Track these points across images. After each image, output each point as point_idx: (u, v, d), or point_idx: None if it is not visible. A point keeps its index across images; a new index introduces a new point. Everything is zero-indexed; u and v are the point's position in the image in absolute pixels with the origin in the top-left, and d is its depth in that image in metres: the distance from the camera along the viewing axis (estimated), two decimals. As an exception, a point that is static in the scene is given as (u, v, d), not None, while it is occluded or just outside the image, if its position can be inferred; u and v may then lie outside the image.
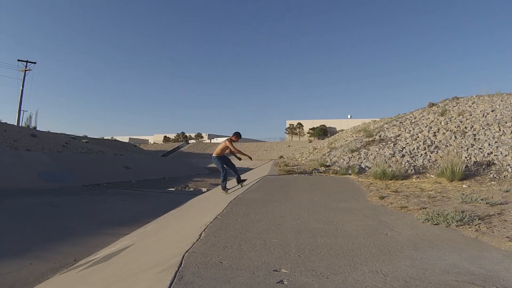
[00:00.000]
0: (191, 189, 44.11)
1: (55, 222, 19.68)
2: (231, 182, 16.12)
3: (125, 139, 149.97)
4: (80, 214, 22.28)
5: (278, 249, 5.95)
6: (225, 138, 15.46)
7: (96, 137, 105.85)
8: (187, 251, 5.70)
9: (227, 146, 15.29)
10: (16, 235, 16.86)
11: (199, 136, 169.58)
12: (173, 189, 43.36)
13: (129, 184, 43.88)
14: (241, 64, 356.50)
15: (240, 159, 16.05)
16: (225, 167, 15.35)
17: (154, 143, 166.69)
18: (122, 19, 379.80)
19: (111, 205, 26.01)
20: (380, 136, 22.94)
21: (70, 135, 79.00)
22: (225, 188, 14.98)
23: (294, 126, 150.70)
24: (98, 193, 33.91)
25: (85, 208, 24.80)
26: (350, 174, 17.72)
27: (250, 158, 16.40)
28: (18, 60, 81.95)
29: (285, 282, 4.45)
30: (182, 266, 4.96)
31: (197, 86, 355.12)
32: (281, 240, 6.55)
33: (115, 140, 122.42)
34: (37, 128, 73.80)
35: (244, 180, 15.57)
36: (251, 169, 53.56)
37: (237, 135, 15.40)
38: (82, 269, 9.91)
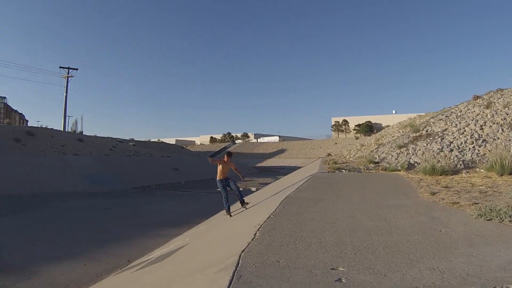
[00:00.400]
0: (240, 189, 44.05)
1: (107, 225, 19.99)
2: (237, 205, 15.72)
3: (171, 141, 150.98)
4: (130, 216, 22.57)
5: (333, 248, 5.89)
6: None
7: (143, 140, 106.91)
8: (243, 250, 5.70)
9: (221, 166, 14.97)
10: (69, 237, 17.20)
11: (245, 136, 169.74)
12: (221, 189, 43.48)
13: (178, 185, 44.19)
14: (285, 63, 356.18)
15: (242, 177, 15.99)
16: (228, 190, 14.86)
17: (200, 144, 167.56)
18: (166, 27, 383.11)
19: (161, 207, 26.26)
20: (427, 131, 22.60)
21: (117, 138, 79.88)
22: (228, 211, 14.52)
23: (340, 123, 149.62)
24: (147, 195, 34.25)
25: (135, 210, 25.10)
26: (399, 170, 17.51)
27: (242, 177, 15.93)
28: (60, 67, 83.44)
29: (343, 280, 4.39)
30: (239, 265, 4.95)
31: (243, 87, 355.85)
32: (336, 238, 6.49)
33: (162, 142, 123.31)
34: (83, 133, 75.03)
35: (247, 203, 14.83)
36: (299, 167, 53.41)
37: (229, 154, 15.42)
38: (136, 269, 10.01)
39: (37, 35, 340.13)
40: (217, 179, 14.77)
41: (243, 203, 14.71)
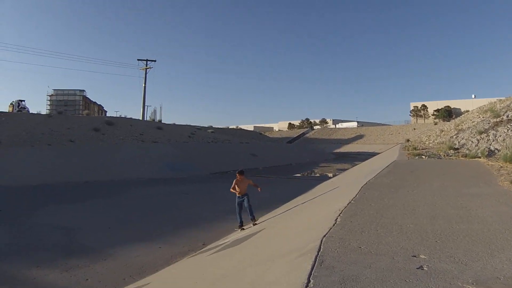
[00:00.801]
0: (317, 175, 44.01)
1: (184, 209, 20.43)
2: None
3: (250, 127, 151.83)
4: (207, 201, 22.95)
5: (414, 235, 5.83)
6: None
7: (222, 127, 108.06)
8: (325, 235, 5.70)
9: (235, 184, 14.69)
10: (146, 221, 17.71)
11: (323, 122, 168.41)
12: (299, 175, 43.51)
13: (256, 171, 44.33)
14: (363, 50, 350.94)
15: (260, 189, 14.92)
16: (242, 206, 14.61)
17: (279, 130, 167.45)
18: (244, 14, 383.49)
19: (238, 192, 26.51)
20: (507, 116, 21.82)
21: (196, 126, 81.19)
22: (240, 225, 14.47)
23: (418, 108, 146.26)
24: (224, 181, 34.49)
25: (213, 196, 25.51)
26: (479, 157, 17.08)
27: (259, 189, 14.89)
28: (138, 59, 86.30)
29: (424, 268, 4.35)
30: (321, 250, 4.95)
31: (321, 72, 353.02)
32: (417, 225, 6.42)
33: (240, 129, 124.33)
34: (162, 121, 76.54)
35: (256, 221, 14.30)
36: (377, 153, 52.68)
37: (240, 172, 14.83)
38: (212, 253, 10.22)
39: (115, 31, 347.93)
40: (237, 195, 14.68)
41: (253, 219, 14.49)
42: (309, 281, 3.75)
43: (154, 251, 13.07)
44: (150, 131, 55.37)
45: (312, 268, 4.21)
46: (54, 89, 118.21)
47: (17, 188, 26.96)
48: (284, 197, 20.33)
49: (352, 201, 8.50)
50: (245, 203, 14.50)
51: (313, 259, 4.56)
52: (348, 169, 37.72)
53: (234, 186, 14.54)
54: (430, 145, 25.12)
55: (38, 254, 12.88)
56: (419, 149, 22.30)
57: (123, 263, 11.89)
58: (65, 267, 11.47)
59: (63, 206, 21.26)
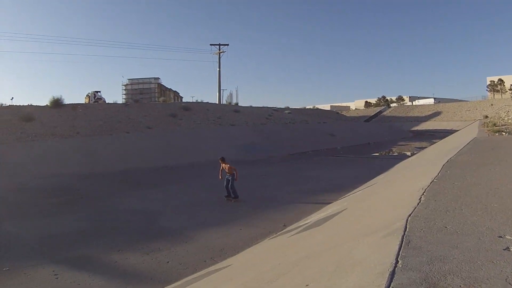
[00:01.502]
0: (396, 154, 43.39)
1: (263, 191, 20.49)
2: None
3: (326, 107, 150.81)
4: (287, 183, 22.90)
5: (499, 214, 5.51)
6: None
7: (298, 107, 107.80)
8: (410, 215, 5.53)
9: (222, 167, 19.70)
10: (226, 203, 17.93)
11: (400, 99, 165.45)
12: (377, 154, 43.00)
13: (335, 151, 44.19)
14: (438, 24, 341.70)
15: (237, 178, 19.34)
16: (228, 182, 19.07)
17: (355, 109, 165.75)
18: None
19: (317, 172, 26.38)
20: None
21: (272, 107, 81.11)
22: (227, 196, 19.06)
23: (495, 82, 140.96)
24: (304, 161, 34.51)
25: (292, 176, 25.43)
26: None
27: (236, 178, 19.33)
28: (211, 44, 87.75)
29: (511, 250, 4.21)
30: (407, 230, 4.80)
31: (397, 49, 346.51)
32: (501, 204, 6.09)
33: (317, 108, 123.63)
34: (238, 104, 77.05)
35: (228, 197, 19.05)
36: (455, 130, 51.43)
37: (221, 159, 19.95)
38: (293, 234, 10.09)
39: (187, 17, 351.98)
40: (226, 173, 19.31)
41: (228, 196, 19.03)
42: (397, 261, 3.63)
43: (235, 233, 13.15)
44: (227, 115, 55.88)
45: (399, 248, 4.04)
46: (129, 79, 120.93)
47: (98, 175, 27.82)
48: (363, 177, 20.11)
49: (434, 180, 8.25)
50: (230, 182, 18.99)
51: (399, 239, 4.38)
52: (426, 147, 37.03)
53: (220, 170, 19.66)
54: (510, 121, 24.26)
55: (119, 238, 13.22)
56: (498, 126, 21.59)
57: (203, 245, 12.01)
58: (146, 250, 11.70)
59: (143, 191, 21.77)
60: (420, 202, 6.33)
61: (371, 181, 17.74)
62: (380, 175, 18.96)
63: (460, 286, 3.07)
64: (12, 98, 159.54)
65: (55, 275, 10.01)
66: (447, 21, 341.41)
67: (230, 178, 19.10)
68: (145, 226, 14.67)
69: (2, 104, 49.65)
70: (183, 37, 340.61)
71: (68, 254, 11.72)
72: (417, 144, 52.36)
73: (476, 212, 5.71)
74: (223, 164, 19.65)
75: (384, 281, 3.17)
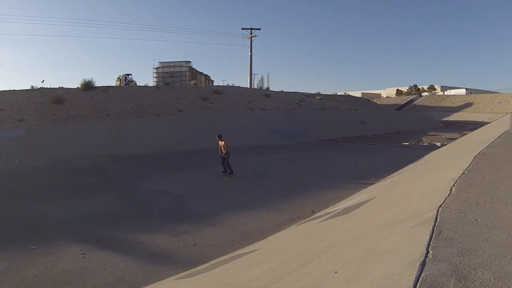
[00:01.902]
0: (426, 144, 43.00)
1: (293, 176, 20.53)
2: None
3: (357, 94, 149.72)
4: (316, 169, 22.92)
5: None
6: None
7: (330, 94, 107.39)
8: (441, 206, 5.44)
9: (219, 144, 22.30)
10: (255, 188, 17.94)
11: (431, 88, 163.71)
12: (407, 143, 42.67)
13: (365, 139, 44.01)
14: (474, 13, 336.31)
15: (226, 155, 21.95)
16: (224, 159, 21.90)
17: (387, 97, 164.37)
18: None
19: (347, 160, 26.36)
20: None
21: (304, 93, 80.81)
22: (224, 172, 21.82)
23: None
24: (333, 148, 34.45)
25: (321, 163, 25.47)
26: None
27: (226, 154, 22.00)
28: (242, 28, 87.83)
29: None
30: (437, 221, 4.73)
31: (429, 36, 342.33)
32: None
33: (348, 95, 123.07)
34: (269, 89, 76.96)
35: (224, 172, 21.84)
36: (486, 122, 50.76)
37: (218, 136, 22.72)
38: (321, 221, 10.07)
39: (220, 1, 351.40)
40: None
41: (225, 172, 21.74)
42: (428, 251, 3.60)
43: (263, 218, 13.23)
44: (258, 99, 55.73)
45: (430, 239, 4.00)
46: (160, 62, 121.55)
47: (128, 157, 28.18)
48: (393, 166, 19.95)
49: (465, 172, 8.13)
50: (225, 159, 21.73)
51: (430, 230, 4.33)
52: (457, 138, 36.64)
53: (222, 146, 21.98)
54: (543, 114, 23.83)
55: (147, 219, 13.44)
56: (531, 119, 21.27)
57: (231, 229, 12.13)
58: (174, 232, 11.85)
59: (172, 174, 22.07)
60: (451, 193, 6.24)
61: (401, 170, 17.60)
62: (410, 165, 18.79)
63: (490, 280, 3.04)
64: (43, 80, 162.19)
65: (82, 254, 10.24)
66: (482, 11, 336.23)
67: (225, 155, 21.80)
68: (173, 208, 14.89)
69: (33, 87, 50.32)
70: (214, 21, 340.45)
71: (97, 235, 11.98)
72: (448, 135, 51.76)
73: (507, 206, 5.61)
74: (220, 142, 22.15)
75: (414, 271, 3.15)
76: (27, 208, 15.36)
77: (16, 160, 26.82)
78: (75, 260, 9.89)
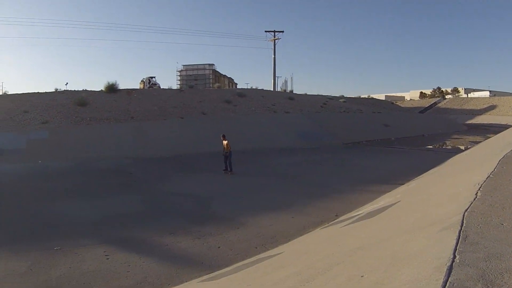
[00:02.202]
0: (449, 147, 42.70)
1: (317, 179, 20.50)
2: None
3: (381, 97, 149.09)
4: (340, 172, 22.88)
5: None
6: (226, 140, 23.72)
7: (353, 96, 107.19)
8: (466, 210, 5.40)
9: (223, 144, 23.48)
10: (278, 191, 17.95)
11: (455, 90, 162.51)
12: (431, 146, 42.41)
13: (389, 142, 43.80)
14: (494, 13, 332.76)
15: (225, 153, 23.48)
16: (226, 157, 23.22)
17: (410, 99, 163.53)
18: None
19: (371, 163, 26.24)
20: None
21: (327, 96, 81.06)
22: (224, 170, 23.13)
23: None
24: (357, 151, 34.38)
25: (345, 166, 25.42)
26: None
27: (225, 152, 23.60)
28: (266, 31, 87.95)
29: None
30: (464, 225, 4.69)
31: (452, 39, 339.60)
32: None
33: (372, 98, 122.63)
34: (293, 92, 76.97)
35: (225, 170, 23.15)
36: (510, 125, 50.19)
37: (222, 136, 24.07)
38: (345, 224, 10.01)
39: (243, 4, 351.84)
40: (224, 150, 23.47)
41: (226, 170, 23.07)
42: (454, 256, 3.59)
43: (287, 221, 13.21)
44: (282, 102, 55.69)
45: (456, 243, 3.99)
46: (183, 65, 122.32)
47: (151, 159, 28.43)
48: (417, 169, 19.85)
49: (490, 175, 8.05)
50: (228, 158, 23.10)
51: (456, 234, 4.30)
52: (480, 141, 36.32)
53: (225, 145, 23.30)
54: None
55: (171, 221, 13.52)
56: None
57: (255, 232, 12.13)
58: (198, 235, 11.89)
59: (196, 176, 22.25)
60: (476, 197, 6.19)
61: (425, 173, 17.51)
62: (434, 168, 18.68)
63: (517, 285, 3.03)
64: (67, 83, 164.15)
65: (106, 255, 10.32)
66: (506, 12, 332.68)
67: (227, 154, 23.15)
68: (197, 210, 14.98)
69: (57, 89, 51.09)
70: (238, 24, 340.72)
71: (120, 235, 12.09)
72: (471, 138, 51.30)
73: (533, 211, 5.58)
74: (224, 141, 23.46)
75: (441, 276, 3.15)
76: (51, 208, 15.59)
77: (39, 161, 27.16)
78: (98, 261, 9.98)
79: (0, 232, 12.76)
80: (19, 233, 12.61)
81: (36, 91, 47.36)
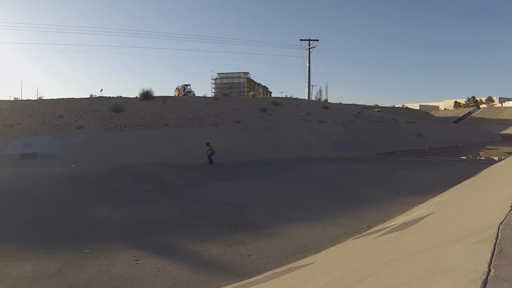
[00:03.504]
0: (483, 158, 42.21)
1: (350, 189, 20.40)
2: None
3: (415, 106, 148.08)
4: (373, 182, 22.70)
5: None
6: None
7: (387, 106, 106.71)
8: (501, 222, 5.28)
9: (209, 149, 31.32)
10: (312, 200, 17.90)
11: (489, 100, 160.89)
12: (464, 157, 41.92)
13: (422, 152, 43.36)
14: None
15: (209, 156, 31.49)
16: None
17: (444, 109, 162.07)
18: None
19: (404, 173, 26.02)
20: None
21: (362, 105, 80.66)
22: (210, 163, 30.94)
23: None
24: (391, 161, 34.19)
25: (379, 176, 25.23)
26: None
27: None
28: (301, 39, 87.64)
29: None
30: (498, 238, 4.60)
31: (486, 47, 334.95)
32: None
33: (406, 107, 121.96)
34: (328, 101, 76.89)
35: (210, 163, 31.00)
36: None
37: (207, 144, 31.59)
38: (378, 235, 9.92)
39: (277, 13, 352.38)
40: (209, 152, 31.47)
41: (210, 163, 30.99)
42: (489, 269, 3.55)
43: (319, 231, 13.10)
44: (316, 111, 55.76)
45: (491, 257, 3.94)
46: (218, 73, 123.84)
47: (186, 166, 28.85)
48: (450, 180, 19.60)
49: (526, 187, 7.96)
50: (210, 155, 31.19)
51: (491, 247, 4.24)
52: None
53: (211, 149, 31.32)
54: None
55: (203, 228, 13.57)
56: None
57: (287, 241, 12.07)
58: (229, 243, 11.90)
59: (229, 184, 22.33)
60: (511, 209, 6.11)
61: (458, 185, 17.29)
62: (468, 180, 18.43)
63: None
64: (102, 89, 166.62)
65: (136, 260, 10.40)
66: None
67: (210, 153, 31.12)
68: (230, 218, 14.98)
69: (92, 95, 51.92)
70: (273, 32, 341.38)
71: (151, 241, 12.19)
72: (505, 148, 50.60)
73: None
74: (209, 147, 31.22)
75: (476, 289, 3.12)
76: (83, 212, 15.85)
77: (73, 165, 27.58)
78: (128, 265, 10.07)
79: (33, 232, 13.06)
80: (51, 234, 12.89)
81: (71, 97, 48.21)
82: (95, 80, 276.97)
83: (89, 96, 51.83)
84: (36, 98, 59.01)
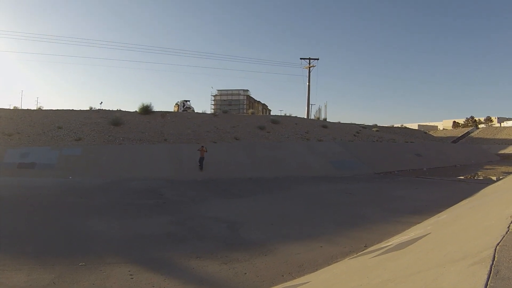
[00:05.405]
0: (481, 178, 42.27)
1: (347, 208, 20.37)
2: None
3: (414, 126, 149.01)
4: (371, 201, 22.68)
5: None
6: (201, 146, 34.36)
7: (386, 125, 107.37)
8: (498, 244, 5.26)
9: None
10: (308, 219, 17.91)
11: (488, 120, 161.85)
12: (462, 177, 41.95)
13: (420, 172, 43.53)
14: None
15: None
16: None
17: (443, 129, 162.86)
18: (401, 19, 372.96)
19: (402, 193, 25.98)
20: None
21: (361, 124, 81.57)
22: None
23: None
24: (389, 181, 34.18)
25: (376, 195, 25.22)
26: None
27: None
28: (301, 58, 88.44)
29: None
30: (495, 260, 4.57)
31: (484, 67, 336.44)
32: None
33: (405, 127, 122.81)
34: (327, 120, 77.25)
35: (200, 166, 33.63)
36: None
37: (201, 147, 34.36)
38: (374, 255, 9.85)
39: (278, 31, 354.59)
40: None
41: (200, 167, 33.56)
42: (486, 292, 3.54)
43: (315, 250, 13.03)
44: (315, 129, 56.17)
45: (488, 278, 3.93)
46: (218, 90, 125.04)
47: (183, 181, 28.85)
48: (448, 200, 19.64)
49: (522, 208, 7.93)
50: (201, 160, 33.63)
51: (488, 269, 4.23)
52: (513, 172, 35.86)
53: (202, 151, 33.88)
54: None
55: (199, 244, 13.51)
56: None
57: (282, 259, 11.99)
58: (225, 260, 11.82)
59: (227, 200, 22.33)
60: (508, 230, 6.06)
61: (456, 205, 17.31)
62: (465, 200, 18.45)
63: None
64: (101, 102, 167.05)
65: (130, 275, 10.33)
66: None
67: (200, 157, 33.52)
68: (226, 235, 14.91)
69: (91, 108, 52.20)
70: (273, 51, 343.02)
71: (147, 256, 12.14)
72: (504, 168, 50.82)
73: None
74: (201, 149, 33.93)
75: (472, 311, 3.10)
76: (79, 224, 15.82)
77: (70, 177, 27.60)
78: (123, 279, 9.99)
79: (28, 242, 13.05)
80: (46, 245, 12.88)
81: (70, 108, 48.47)
82: (95, 93, 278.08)
83: (88, 109, 52.48)
84: (36, 108, 59.40)
